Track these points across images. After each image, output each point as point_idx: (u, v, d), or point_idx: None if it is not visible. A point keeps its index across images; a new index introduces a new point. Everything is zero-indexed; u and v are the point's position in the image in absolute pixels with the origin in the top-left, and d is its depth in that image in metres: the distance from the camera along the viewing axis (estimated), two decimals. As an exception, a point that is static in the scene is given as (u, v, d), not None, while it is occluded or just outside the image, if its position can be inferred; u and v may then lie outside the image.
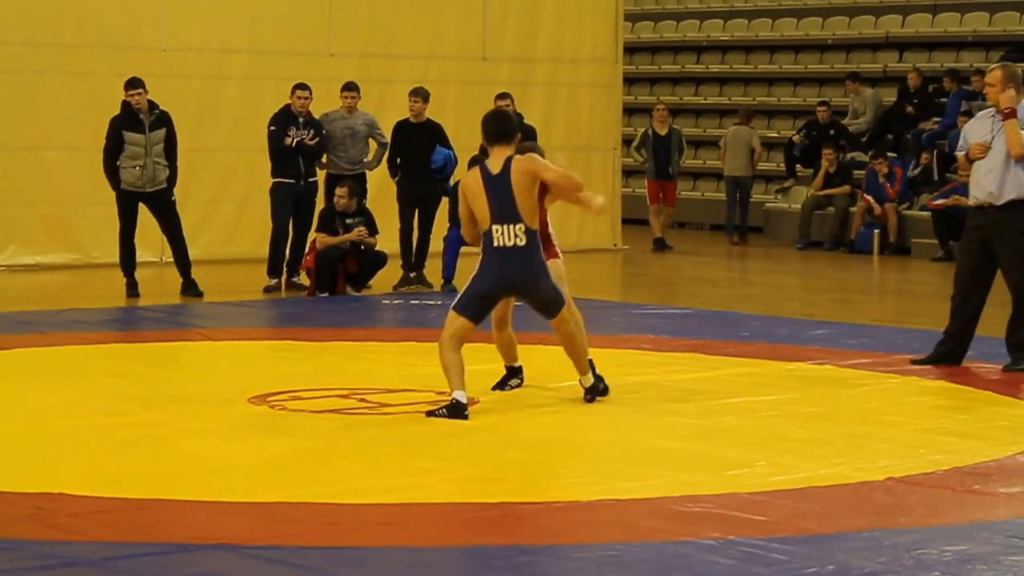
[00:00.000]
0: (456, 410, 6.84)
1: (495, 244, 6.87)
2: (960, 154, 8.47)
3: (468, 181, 6.98)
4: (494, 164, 6.92)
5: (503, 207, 6.84)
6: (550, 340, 8.15)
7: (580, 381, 7.22)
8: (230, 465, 6.04)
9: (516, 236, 6.84)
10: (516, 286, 6.97)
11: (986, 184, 8.24)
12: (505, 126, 6.98)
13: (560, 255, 7.35)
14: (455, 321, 6.93)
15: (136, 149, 11.09)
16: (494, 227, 6.86)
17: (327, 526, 5.12)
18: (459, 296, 7.05)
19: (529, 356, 7.79)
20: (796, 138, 17.18)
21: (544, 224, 7.20)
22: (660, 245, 15.92)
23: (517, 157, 6.92)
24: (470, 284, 6.99)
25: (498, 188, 6.84)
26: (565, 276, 7.31)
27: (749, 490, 5.60)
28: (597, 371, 7.34)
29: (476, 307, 6.96)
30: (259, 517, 5.22)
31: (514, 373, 7.54)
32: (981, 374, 8.32)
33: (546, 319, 7.10)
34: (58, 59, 13.13)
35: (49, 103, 13.07)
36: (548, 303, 7.01)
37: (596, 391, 7.22)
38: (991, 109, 8.37)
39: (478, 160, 9.95)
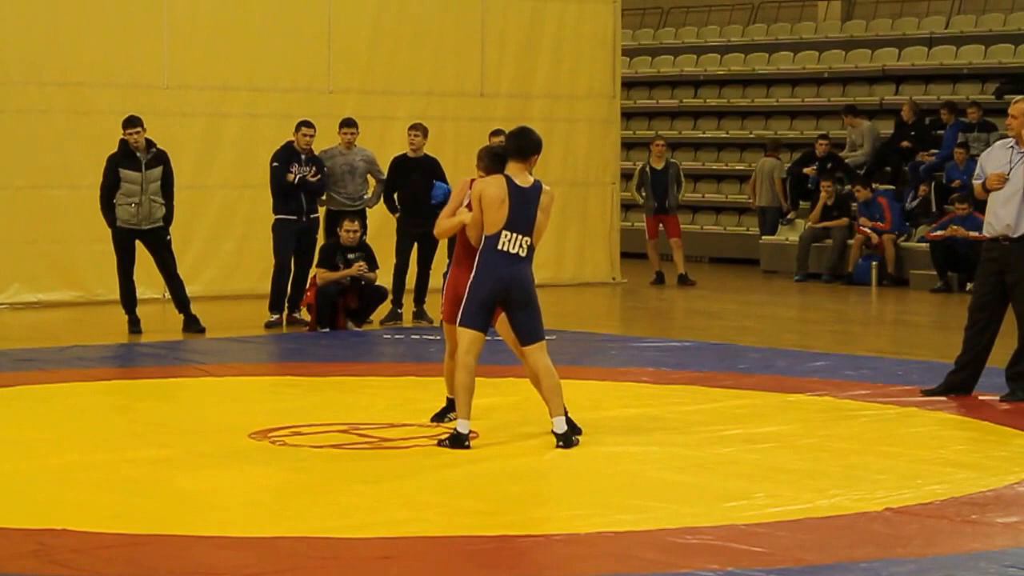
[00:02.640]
0: (457, 441, 6.90)
1: (499, 247, 6.95)
2: (977, 183, 8.47)
3: (490, 188, 6.98)
4: (521, 179, 7.02)
5: (522, 219, 6.96)
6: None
7: (553, 424, 6.99)
8: (231, 500, 6.07)
9: (521, 247, 6.96)
10: (510, 290, 6.94)
11: (1004, 215, 8.25)
12: (521, 146, 7.07)
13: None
14: (464, 336, 6.97)
15: (132, 187, 11.16)
16: (504, 232, 6.95)
17: (327, 560, 5.14)
18: (461, 310, 7.05)
19: (528, 389, 7.82)
20: (809, 171, 17.31)
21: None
22: (660, 279, 15.98)
23: (546, 188, 7.09)
24: (468, 294, 7.01)
25: (524, 201, 6.97)
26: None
27: (748, 522, 5.62)
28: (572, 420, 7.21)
29: (480, 315, 6.98)
30: (260, 552, 5.25)
31: (453, 406, 7.31)
32: (981, 405, 8.34)
33: (522, 345, 7.05)
34: (61, 98, 13.22)
35: (52, 141, 13.15)
36: (533, 324, 6.99)
37: (569, 441, 6.96)
38: (1010, 139, 8.38)
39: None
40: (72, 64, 13.26)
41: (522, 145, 7.06)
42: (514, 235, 6.93)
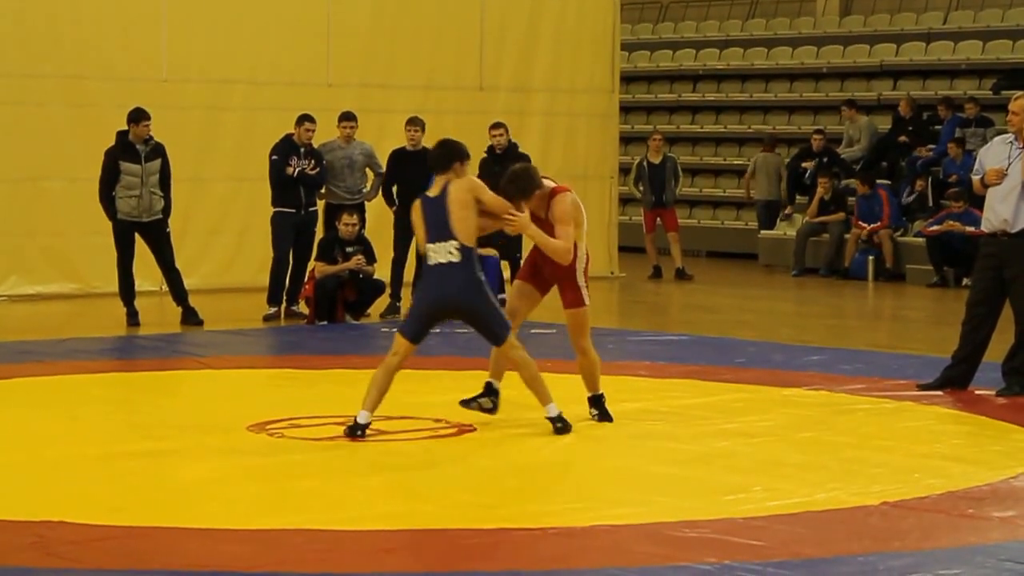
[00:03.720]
0: (352, 430, 6.98)
1: (430, 263, 7.00)
2: (975, 178, 8.47)
3: (413, 209, 7.16)
4: (434, 189, 7.07)
5: (437, 227, 6.95)
6: (546, 367, 8.19)
7: (545, 411, 7.06)
8: (229, 492, 6.08)
9: (450, 253, 6.93)
10: (451, 304, 6.97)
11: (1001, 211, 8.25)
12: (440, 154, 7.08)
13: (586, 302, 7.21)
14: (397, 339, 7.09)
15: (132, 179, 11.16)
16: (429, 247, 7.00)
17: (325, 553, 5.16)
18: (407, 315, 7.23)
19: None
20: (807, 165, 17.34)
21: (572, 267, 7.14)
22: (658, 273, 16.00)
23: (457, 179, 7.02)
24: (413, 302, 7.16)
25: (434, 209, 6.98)
26: (586, 326, 7.21)
27: (745, 515, 5.64)
28: (605, 404, 7.36)
29: (414, 327, 7.06)
30: (258, 544, 5.26)
31: (490, 391, 7.35)
32: (977, 399, 8.35)
33: (494, 346, 7.09)
34: (59, 90, 13.22)
35: (50, 134, 13.15)
36: (490, 326, 7.01)
37: (565, 424, 7.05)
38: (1009, 135, 8.38)
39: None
40: (70, 57, 13.25)
41: (437, 155, 7.06)
42: (437, 245, 6.94)
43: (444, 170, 7.04)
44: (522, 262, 7.64)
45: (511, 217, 7.05)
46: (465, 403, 7.31)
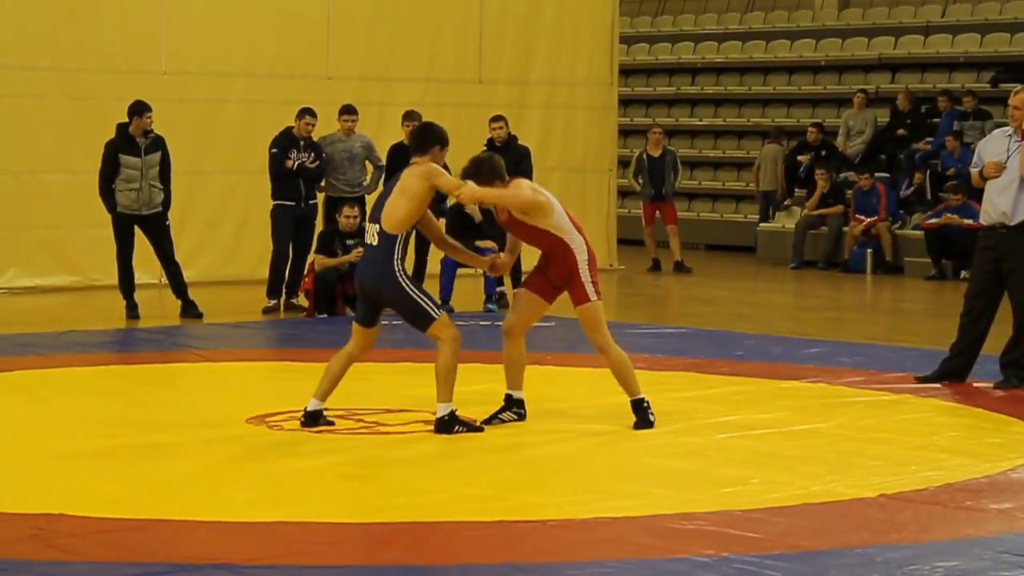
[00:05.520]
0: (309, 418, 7.08)
1: (364, 241, 7.14)
2: (974, 171, 8.50)
3: None
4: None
5: (378, 208, 7.01)
6: (543, 360, 8.22)
7: (436, 409, 6.97)
8: (229, 485, 6.10)
9: (372, 236, 6.99)
10: (366, 290, 7.04)
11: (1000, 203, 8.27)
12: (419, 136, 7.04)
13: (591, 298, 7.00)
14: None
15: (132, 172, 11.18)
16: (367, 225, 7.08)
17: (325, 545, 5.17)
18: None
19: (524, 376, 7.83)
20: (803, 159, 17.33)
21: (573, 265, 7.00)
22: (656, 266, 16.01)
23: (418, 165, 6.94)
24: None
25: (387, 189, 7.04)
26: (598, 322, 7.01)
27: (743, 507, 5.66)
28: (647, 410, 7.15)
29: (358, 309, 7.17)
30: (258, 537, 5.28)
31: (511, 404, 7.24)
32: (975, 392, 8.38)
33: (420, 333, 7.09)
34: (58, 83, 13.22)
35: (49, 127, 13.15)
36: (408, 317, 7.02)
37: (445, 427, 6.91)
38: (1008, 128, 8.40)
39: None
40: (69, 49, 13.25)
41: (416, 137, 7.04)
42: (370, 226, 7.01)
43: (421, 153, 6.95)
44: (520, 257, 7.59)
45: (462, 190, 6.90)
46: (487, 421, 7.15)
